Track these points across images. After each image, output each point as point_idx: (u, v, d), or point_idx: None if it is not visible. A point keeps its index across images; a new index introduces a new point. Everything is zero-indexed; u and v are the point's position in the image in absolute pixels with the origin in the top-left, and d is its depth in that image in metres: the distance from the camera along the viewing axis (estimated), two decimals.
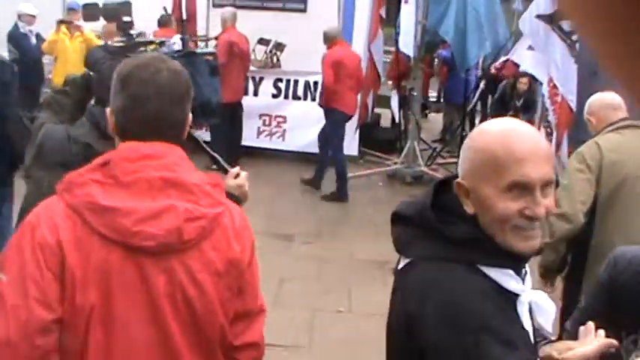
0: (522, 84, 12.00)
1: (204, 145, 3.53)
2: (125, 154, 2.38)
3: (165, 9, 11.61)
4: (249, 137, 12.14)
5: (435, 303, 2.12)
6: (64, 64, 11.88)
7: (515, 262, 2.21)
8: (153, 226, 2.30)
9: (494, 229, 2.15)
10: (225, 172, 3.47)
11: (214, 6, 13.86)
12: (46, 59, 12.67)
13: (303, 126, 12.26)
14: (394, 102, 13.51)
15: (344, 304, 7.10)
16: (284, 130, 12.47)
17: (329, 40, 10.69)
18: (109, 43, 4.21)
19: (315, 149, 12.04)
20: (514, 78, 12.21)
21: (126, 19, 3.97)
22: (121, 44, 3.85)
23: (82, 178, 2.34)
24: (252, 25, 12.48)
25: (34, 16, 12.05)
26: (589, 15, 0.55)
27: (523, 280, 2.26)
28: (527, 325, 2.22)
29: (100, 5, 4.11)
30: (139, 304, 2.36)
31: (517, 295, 2.19)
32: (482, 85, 13.71)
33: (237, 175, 3.40)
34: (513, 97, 12.01)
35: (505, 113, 11.34)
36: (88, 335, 2.35)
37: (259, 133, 12.41)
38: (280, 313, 6.83)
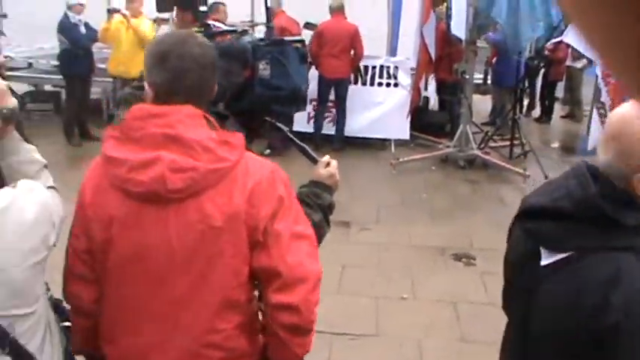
0: None
1: (291, 136, 3.48)
2: (135, 113, 2.64)
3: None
4: (300, 123, 11.90)
5: (622, 291, 2.16)
6: (119, 53, 11.96)
7: None
8: (141, 174, 2.55)
9: None
10: (315, 161, 3.45)
11: None
12: (95, 48, 12.71)
13: (355, 110, 12.17)
14: (431, 86, 13.43)
15: (407, 291, 7.04)
16: (335, 115, 12.36)
17: (329, 12, 12.19)
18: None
19: (366, 134, 12.01)
20: None
21: (202, 8, 3.92)
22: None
23: (107, 134, 2.70)
24: (298, 9, 12.43)
25: (83, 5, 12.06)
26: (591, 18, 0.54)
27: None
28: None
29: None
30: (136, 248, 2.63)
31: None
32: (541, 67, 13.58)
33: (327, 165, 3.39)
34: None
35: None
36: (100, 267, 2.75)
37: (310, 118, 12.30)
38: (344, 300, 6.82)
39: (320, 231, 3.29)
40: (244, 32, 3.71)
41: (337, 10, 12.03)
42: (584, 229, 2.28)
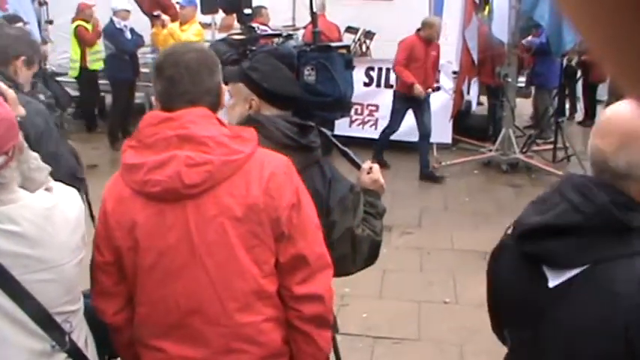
0: None
1: (334, 140, 3.50)
2: (148, 121, 2.72)
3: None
4: (342, 127, 11.78)
5: None
6: None
7: None
8: (158, 174, 2.61)
9: None
10: (358, 166, 3.49)
11: None
12: (139, 53, 12.87)
13: None
14: (473, 90, 13.34)
15: (449, 295, 7.03)
16: (376, 119, 12.37)
17: None
18: (228, 36, 4.15)
19: (408, 137, 11.95)
20: None
21: (247, 11, 3.90)
22: (242, 37, 3.82)
23: (125, 146, 2.76)
24: (340, 14, 12.46)
25: (129, 12, 12.24)
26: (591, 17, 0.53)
27: None
28: None
29: None
30: (160, 246, 2.68)
31: None
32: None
33: (369, 170, 3.42)
34: None
35: None
36: (131, 274, 2.79)
37: (351, 122, 12.29)
38: (386, 305, 6.82)
39: (380, 238, 3.34)
40: (289, 36, 3.71)
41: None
42: (597, 240, 2.20)
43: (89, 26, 12.45)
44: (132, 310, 2.89)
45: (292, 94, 3.24)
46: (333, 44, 3.81)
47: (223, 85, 2.89)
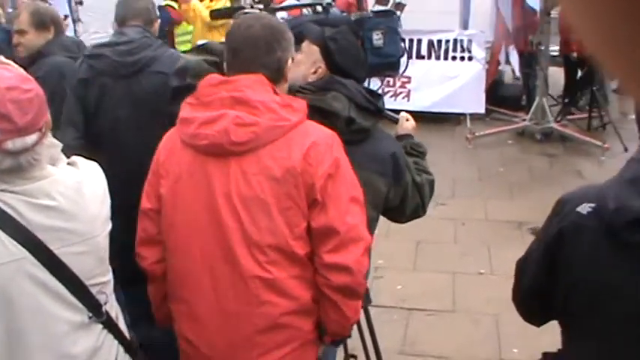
0: None
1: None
2: (208, 81, 2.90)
3: None
4: None
5: None
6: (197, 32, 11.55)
7: None
8: (207, 129, 2.79)
9: None
10: (396, 121, 3.83)
11: None
12: None
13: (427, 86, 12.03)
14: (513, 57, 13.17)
15: (484, 266, 6.99)
16: (409, 91, 12.26)
17: None
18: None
19: (440, 109, 11.86)
20: None
21: None
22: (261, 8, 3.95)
23: (184, 103, 2.95)
24: None
25: None
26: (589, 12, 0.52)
27: None
28: None
29: None
30: (200, 198, 2.85)
31: None
32: None
33: (407, 118, 3.82)
34: None
35: None
36: (168, 223, 2.99)
37: (384, 93, 12.20)
38: (420, 276, 6.81)
39: (433, 176, 3.70)
40: (330, 5, 3.81)
41: None
42: None
43: (175, 5, 11.55)
44: None
45: (357, 76, 3.41)
46: (391, 9, 4.19)
47: (290, 59, 3.02)
